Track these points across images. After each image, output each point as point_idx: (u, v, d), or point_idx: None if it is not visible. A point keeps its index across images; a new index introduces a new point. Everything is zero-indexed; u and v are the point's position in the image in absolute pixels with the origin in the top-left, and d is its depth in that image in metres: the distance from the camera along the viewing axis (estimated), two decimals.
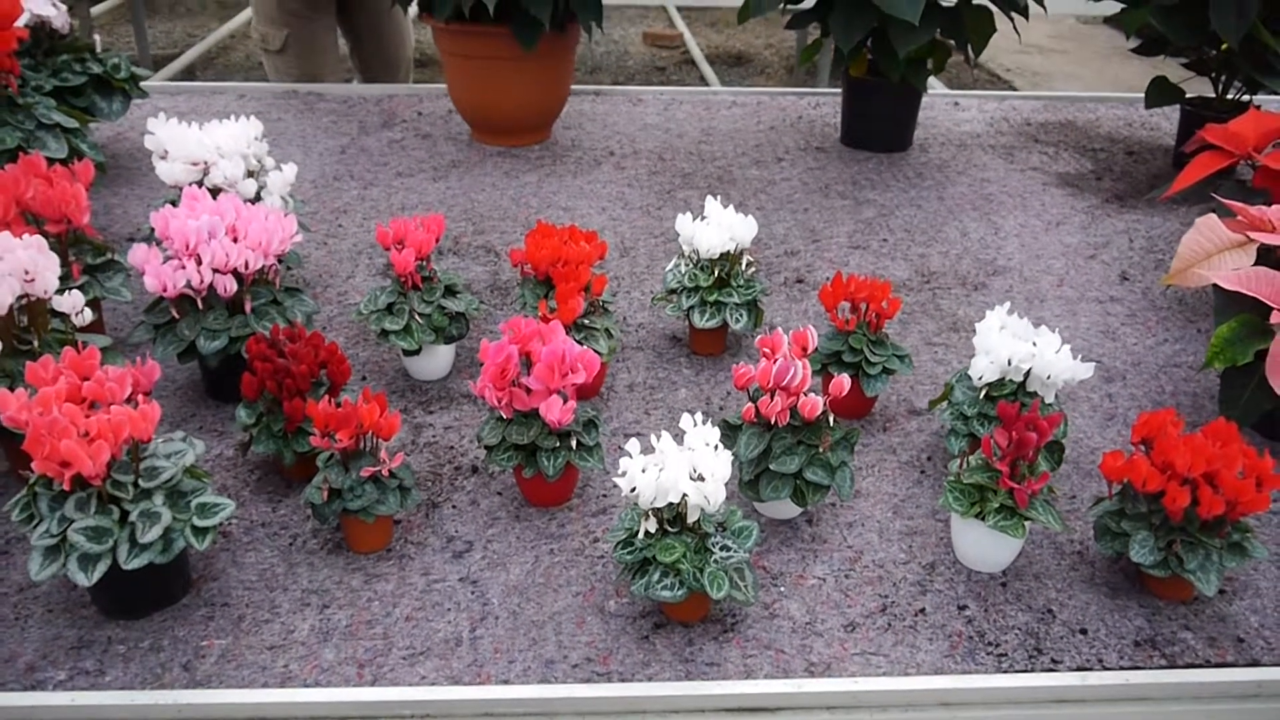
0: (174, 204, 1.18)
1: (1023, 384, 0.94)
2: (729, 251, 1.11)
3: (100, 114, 1.53)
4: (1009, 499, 0.82)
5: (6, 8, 1.24)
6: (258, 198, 1.16)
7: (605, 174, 1.65)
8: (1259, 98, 1.85)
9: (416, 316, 1.04)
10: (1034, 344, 0.93)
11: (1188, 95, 1.72)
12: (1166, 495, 0.78)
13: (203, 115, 1.87)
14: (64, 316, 0.91)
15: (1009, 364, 0.93)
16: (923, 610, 0.82)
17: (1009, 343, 0.93)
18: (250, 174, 1.17)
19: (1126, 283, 1.37)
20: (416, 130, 1.82)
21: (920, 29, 1.49)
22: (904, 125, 1.79)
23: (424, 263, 1.06)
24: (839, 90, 1.86)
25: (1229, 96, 1.71)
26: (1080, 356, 0.97)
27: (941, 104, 2.02)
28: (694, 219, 1.13)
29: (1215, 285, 0.98)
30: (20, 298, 0.87)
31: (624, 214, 1.51)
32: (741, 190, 1.60)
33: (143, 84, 1.59)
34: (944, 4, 1.59)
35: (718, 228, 1.10)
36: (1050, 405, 0.94)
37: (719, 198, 1.17)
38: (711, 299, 1.10)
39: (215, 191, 1.13)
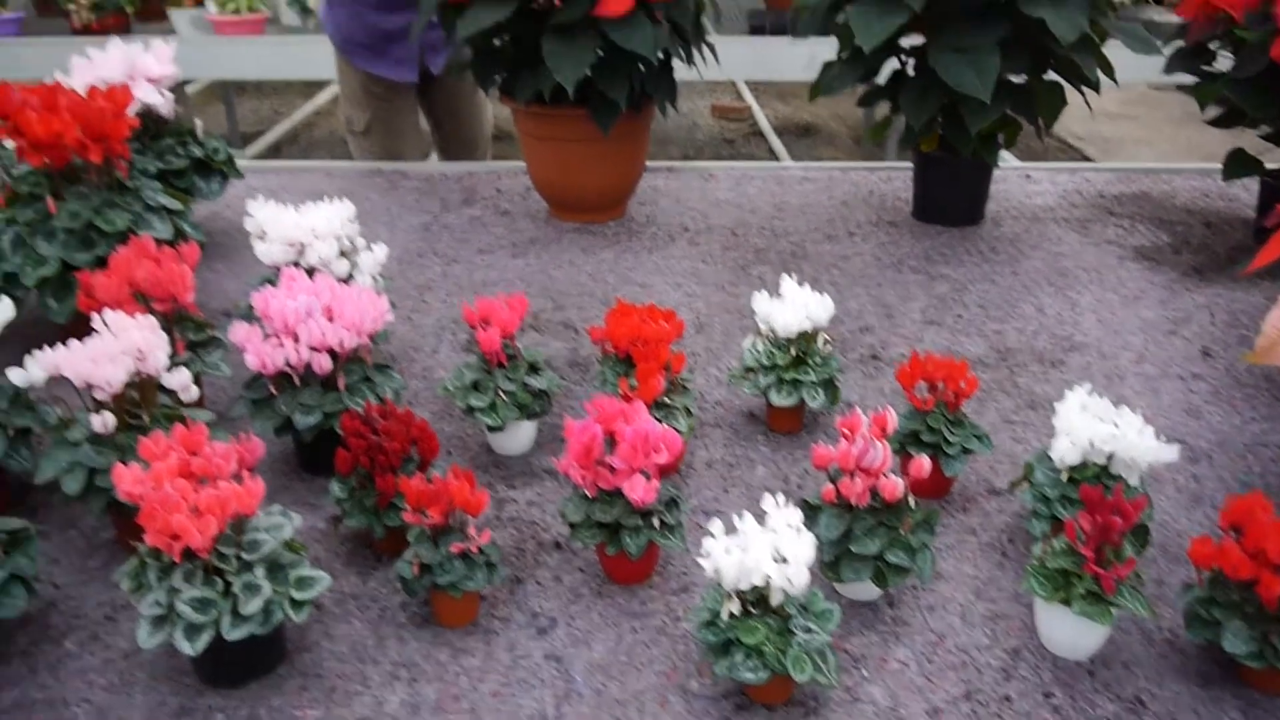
0: (270, 282, 1.24)
1: (1105, 466, 0.94)
2: (806, 330, 1.12)
3: (200, 194, 1.61)
4: (1095, 585, 0.81)
5: (119, 97, 1.32)
6: (349, 277, 1.21)
7: (680, 250, 1.68)
8: None
9: (501, 394, 1.07)
10: (1116, 425, 0.93)
11: (1267, 166, 1.70)
12: (1259, 583, 0.77)
13: (292, 192, 1.95)
14: (172, 393, 0.95)
15: (1091, 446, 0.93)
16: (1008, 697, 0.81)
17: (1090, 424, 0.93)
18: (343, 254, 1.22)
19: (1209, 359, 1.35)
20: (496, 207, 1.88)
21: (992, 106, 1.51)
22: (976, 199, 1.79)
23: (509, 341, 1.09)
24: (909, 164, 1.88)
25: None
26: (1163, 436, 0.96)
27: (1013, 176, 2.03)
28: (770, 297, 1.15)
29: None
30: (132, 375, 0.92)
31: (699, 290, 1.54)
32: (815, 266, 1.62)
33: (237, 163, 1.68)
34: (1014, 80, 1.60)
35: (795, 307, 1.11)
36: (1134, 488, 0.93)
37: (794, 275, 1.19)
38: (789, 377, 1.12)
39: (310, 271, 1.19)
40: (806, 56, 3.38)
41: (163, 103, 1.59)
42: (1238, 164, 1.68)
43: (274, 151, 4.64)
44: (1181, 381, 1.30)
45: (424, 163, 2.13)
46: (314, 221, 1.19)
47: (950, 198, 1.78)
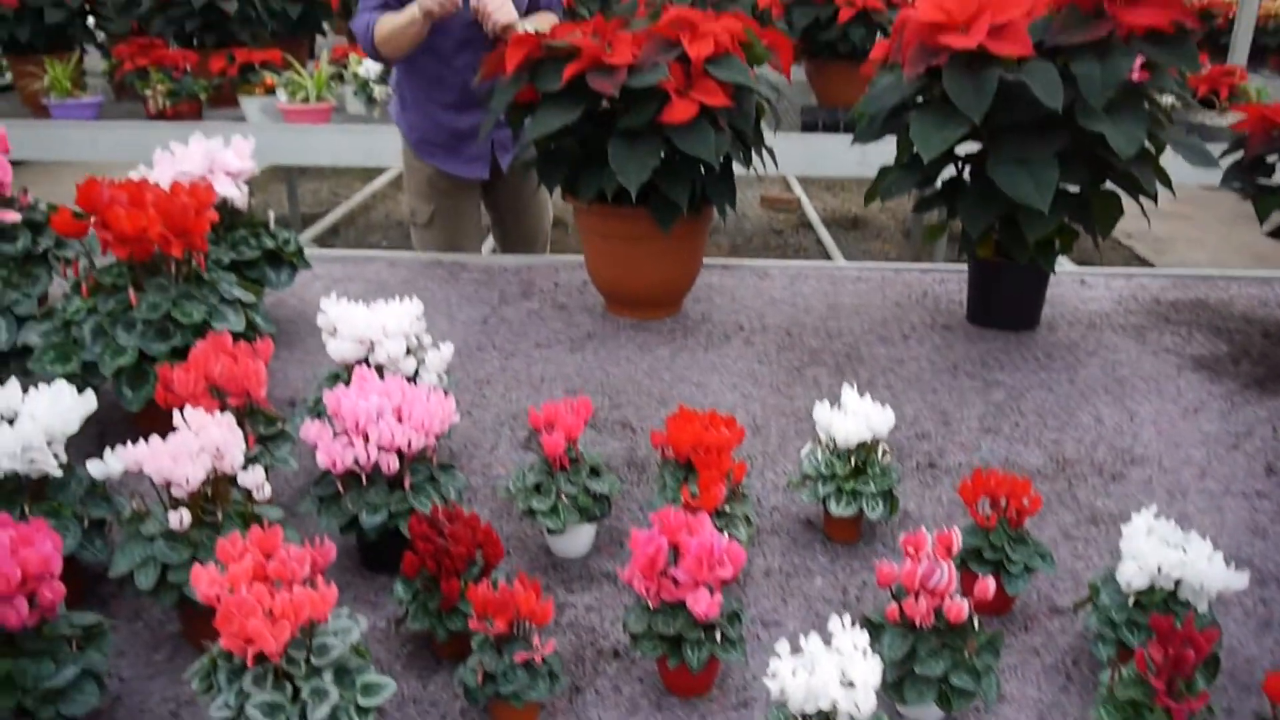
0: (338, 376, 1.27)
1: (1173, 591, 0.92)
2: (866, 441, 1.13)
3: (269, 284, 1.66)
4: (1166, 717, 0.80)
5: (202, 194, 1.38)
6: (416, 374, 1.24)
7: (735, 349, 1.70)
8: None
9: (563, 497, 1.08)
10: (1184, 550, 0.92)
11: None
12: None
13: (355, 281, 2.00)
14: (246, 491, 0.97)
15: (1159, 571, 0.92)
16: None
17: (1158, 549, 0.92)
18: (409, 351, 1.25)
19: (1273, 476, 1.34)
20: (553, 301, 1.91)
21: (1050, 217, 1.52)
22: (1031, 304, 1.80)
23: (572, 444, 1.10)
24: (961, 266, 1.89)
25: None
26: (1229, 557, 0.95)
27: (1068, 281, 2.03)
28: (830, 406, 1.16)
29: None
30: (209, 473, 0.94)
31: (754, 391, 1.55)
32: (870, 369, 1.63)
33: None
34: (1071, 189, 1.62)
35: (855, 417, 1.12)
36: (1204, 615, 0.92)
37: (853, 384, 1.20)
38: (848, 488, 1.12)
39: (379, 368, 1.21)
40: (858, 152, 3.43)
41: (239, 196, 1.65)
42: None
43: (332, 233, 4.76)
44: (1245, 500, 1.28)
45: (483, 255, 2.18)
46: (384, 319, 1.23)
47: (1005, 302, 1.79)
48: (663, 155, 1.58)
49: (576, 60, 1.55)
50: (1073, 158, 1.53)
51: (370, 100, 3.58)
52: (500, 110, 1.65)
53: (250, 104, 3.68)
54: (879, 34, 3.52)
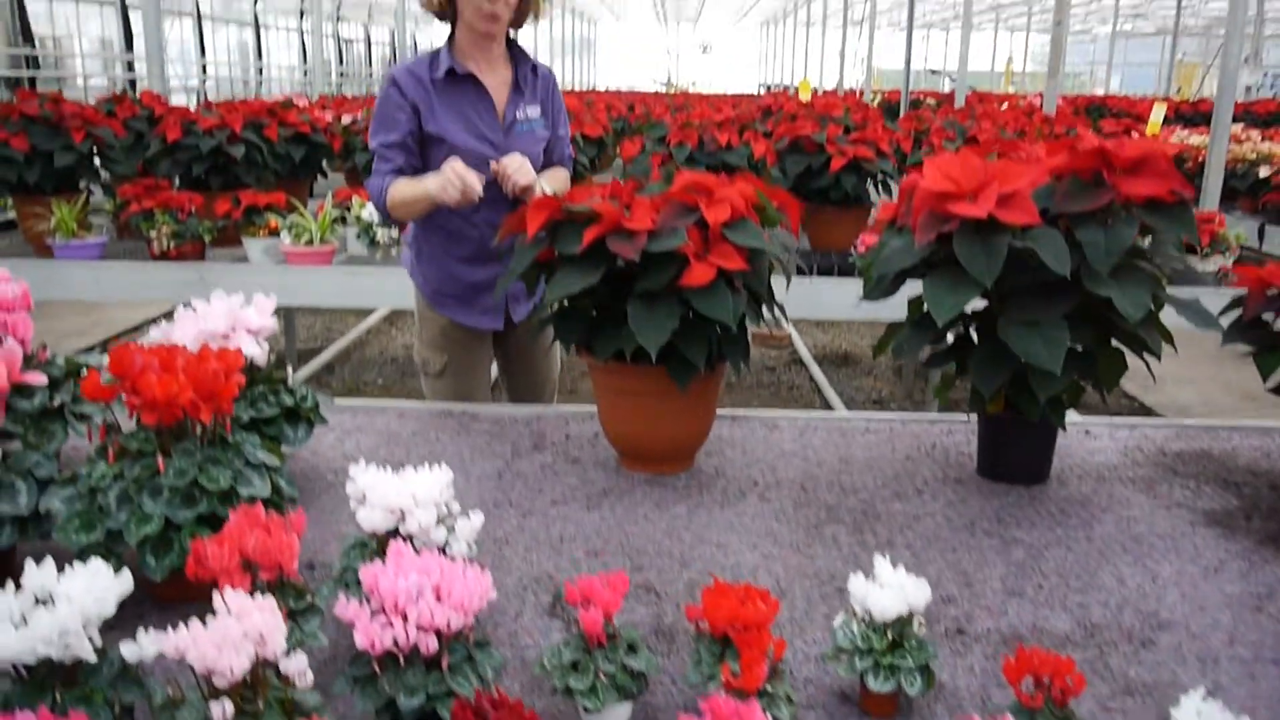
0: (366, 547, 1.26)
1: None
2: (903, 615, 1.12)
3: (287, 441, 1.66)
4: None
5: (230, 359, 1.39)
6: (446, 544, 1.23)
7: (751, 506, 1.70)
8: None
9: (601, 676, 1.06)
10: None
11: None
12: None
13: (367, 433, 2.01)
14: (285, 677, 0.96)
15: None
16: None
17: None
18: (439, 520, 1.25)
19: None
20: (566, 454, 1.92)
21: (1061, 376, 1.56)
22: (1042, 458, 1.82)
23: (609, 620, 1.09)
24: (963, 415, 1.91)
25: None
26: None
27: (1073, 431, 2.06)
28: (865, 579, 1.15)
29: None
30: (252, 660, 0.93)
31: (775, 551, 1.55)
32: (888, 526, 1.63)
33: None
34: (1076, 347, 1.65)
35: (892, 591, 1.12)
36: None
37: (885, 554, 1.20)
38: (886, 662, 1.11)
39: (409, 538, 1.21)
40: (853, 295, 3.50)
41: (260, 353, 1.67)
42: None
43: (327, 370, 4.79)
44: (1277, 667, 1.27)
45: (493, 405, 2.19)
46: (415, 488, 1.23)
47: (1016, 456, 1.81)
48: (680, 316, 1.62)
49: (597, 224, 1.60)
50: (1080, 319, 1.57)
51: (373, 243, 3.65)
52: (520, 271, 1.69)
53: (254, 245, 3.75)
54: (869, 181, 3.65)
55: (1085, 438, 2.04)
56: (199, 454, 1.35)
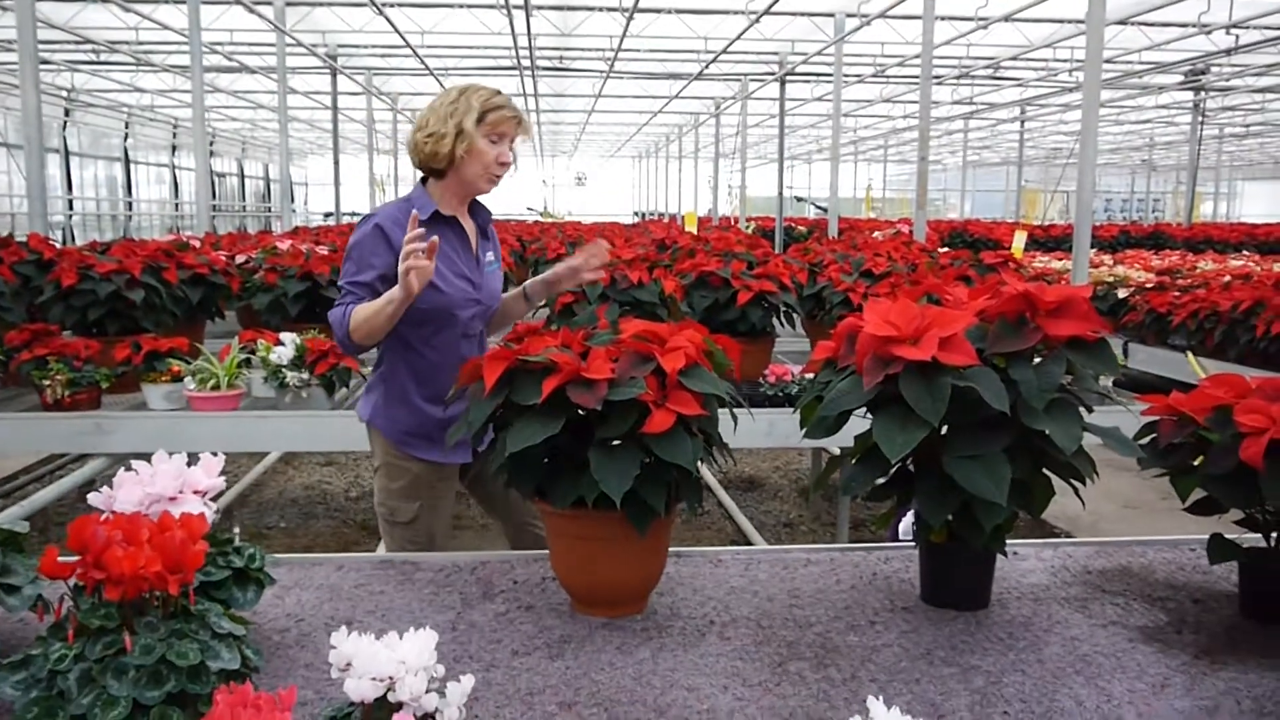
0: (348, 718, 1.22)
1: None
2: None
3: (236, 605, 1.60)
4: None
5: (195, 525, 1.35)
6: (436, 710, 1.21)
7: (713, 646, 1.71)
8: None
9: None
10: None
11: (1244, 547, 1.85)
12: None
13: (305, 588, 1.95)
14: None
15: None
16: None
17: None
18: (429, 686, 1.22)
19: None
20: (518, 601, 1.90)
21: (1004, 506, 1.64)
22: (983, 584, 1.89)
23: None
24: (902, 543, 1.98)
25: None
26: None
27: (1008, 554, 2.14)
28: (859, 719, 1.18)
29: None
30: None
31: (746, 692, 1.56)
32: (850, 660, 1.66)
33: None
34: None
35: None
36: None
37: (882, 699, 1.23)
38: None
39: (398, 706, 1.18)
40: (765, 424, 3.59)
41: (208, 515, 1.62)
42: (1220, 550, 1.83)
43: (227, 515, 4.61)
44: None
45: (434, 554, 2.16)
46: (405, 654, 1.20)
47: (959, 583, 1.88)
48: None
49: (556, 374, 1.63)
50: (1017, 451, 1.67)
51: (282, 385, 3.59)
52: (479, 422, 1.70)
53: (154, 392, 3.65)
54: (775, 315, 3.79)
55: (1016, 560, 2.13)
56: (163, 627, 1.29)
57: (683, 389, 1.65)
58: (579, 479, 1.67)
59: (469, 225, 2.41)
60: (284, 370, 3.59)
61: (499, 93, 2.32)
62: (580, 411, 1.66)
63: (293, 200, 23.03)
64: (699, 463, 1.72)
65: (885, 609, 1.87)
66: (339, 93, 14.74)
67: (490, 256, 2.44)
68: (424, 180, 2.37)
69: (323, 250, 5.29)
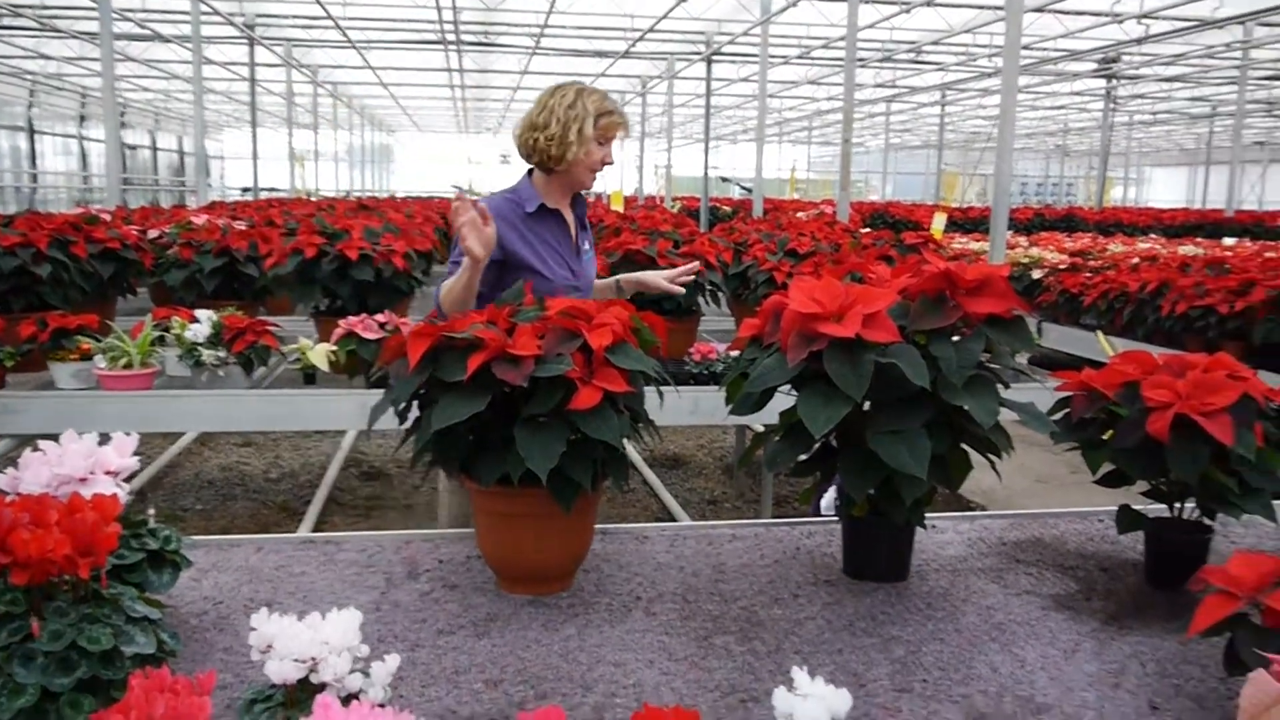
0: (270, 700, 1.20)
1: None
2: None
3: (151, 588, 1.56)
4: None
5: (107, 506, 1.31)
6: (360, 691, 1.19)
7: (639, 621, 1.72)
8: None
9: None
10: None
11: (1150, 517, 1.92)
12: None
13: (224, 570, 1.91)
14: None
15: None
16: None
17: None
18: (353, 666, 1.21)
19: (1157, 713, 1.46)
20: (443, 580, 1.88)
21: (925, 480, 1.67)
22: (903, 556, 1.93)
23: None
24: (825, 518, 2.01)
25: (1185, 519, 1.91)
26: None
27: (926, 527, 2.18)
28: (788, 692, 1.19)
29: None
30: None
31: (672, 666, 1.57)
32: (774, 633, 1.68)
33: None
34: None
35: (815, 701, 1.16)
36: None
37: (806, 669, 1.25)
38: None
39: (322, 687, 1.16)
40: (690, 401, 3.61)
41: (121, 496, 1.57)
42: (1128, 520, 1.89)
43: (139, 497, 4.49)
44: None
45: (358, 533, 2.13)
46: (328, 635, 1.19)
47: (880, 555, 1.91)
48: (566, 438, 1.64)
49: (481, 351, 1.62)
50: (937, 426, 1.70)
51: (198, 364, 3.49)
52: (402, 400, 1.67)
53: (62, 370, 3.53)
54: (700, 293, 3.80)
55: (934, 532, 2.18)
56: (73, 612, 1.25)
57: (609, 366, 1.64)
58: (505, 456, 1.66)
59: (569, 216, 2.60)
60: (200, 348, 3.49)
61: (608, 96, 2.48)
62: (506, 389, 1.65)
63: (209, 175, 22.41)
64: (625, 440, 1.73)
65: (808, 582, 1.90)
66: (257, 64, 14.37)
67: (587, 245, 2.66)
68: (530, 172, 2.55)
69: (240, 225, 5.16)
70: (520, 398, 1.65)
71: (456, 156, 38.40)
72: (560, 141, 2.40)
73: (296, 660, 1.17)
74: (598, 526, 2.14)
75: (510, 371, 1.59)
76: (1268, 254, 7.43)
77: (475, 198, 2.29)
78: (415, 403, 1.76)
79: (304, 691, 1.19)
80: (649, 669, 1.56)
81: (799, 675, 1.21)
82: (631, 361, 1.67)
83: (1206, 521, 1.90)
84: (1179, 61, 15.72)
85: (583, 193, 2.64)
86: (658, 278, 2.74)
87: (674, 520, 4.29)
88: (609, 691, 1.49)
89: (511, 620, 1.72)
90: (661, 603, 1.80)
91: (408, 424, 1.82)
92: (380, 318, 3.57)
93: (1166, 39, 13.55)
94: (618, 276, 2.79)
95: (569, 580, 1.86)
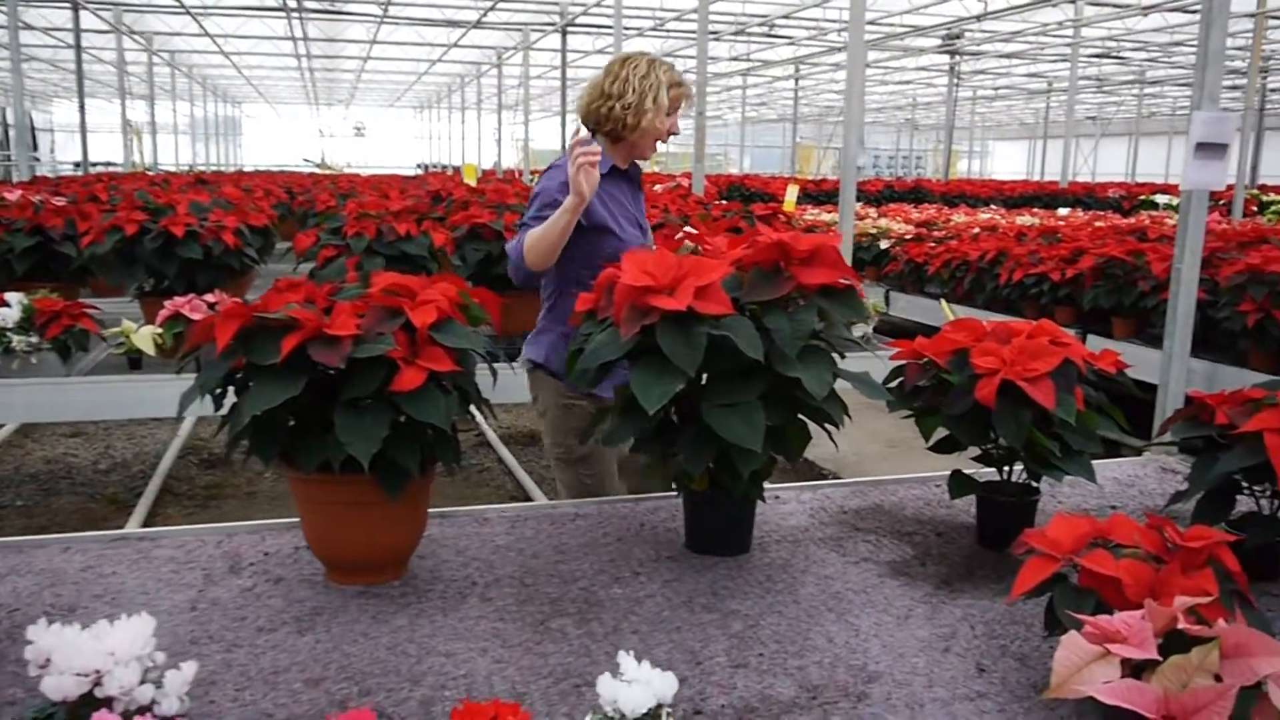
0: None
1: None
2: (653, 708, 1.14)
3: None
4: None
5: None
6: (153, 703, 1.10)
7: (474, 608, 1.66)
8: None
9: None
10: None
11: (980, 481, 1.96)
12: None
13: (23, 574, 1.77)
14: None
15: None
16: None
17: None
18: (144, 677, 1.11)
19: (984, 675, 1.49)
20: (268, 574, 1.78)
21: (761, 453, 1.66)
22: (744, 528, 1.92)
23: None
24: (669, 494, 1.99)
25: (1013, 481, 1.96)
26: None
27: (766, 499, 2.19)
28: (612, 677, 1.16)
29: (1092, 699, 1.10)
30: None
31: (506, 653, 1.52)
32: (612, 613, 1.65)
33: None
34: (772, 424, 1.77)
35: (640, 685, 1.13)
36: None
37: (634, 654, 1.21)
38: None
39: (108, 701, 1.07)
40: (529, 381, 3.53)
41: None
42: (960, 484, 1.93)
43: None
44: (970, 702, 1.41)
45: (177, 528, 2.00)
46: (113, 645, 1.09)
47: (721, 529, 1.90)
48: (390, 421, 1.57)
49: (296, 331, 1.52)
50: (773, 398, 1.69)
51: (7, 351, 3.24)
52: (210, 386, 1.56)
53: None
54: None
55: (777, 503, 2.19)
56: None
57: (434, 345, 1.57)
58: (325, 441, 1.57)
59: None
60: (9, 334, 3.24)
61: (674, 67, 2.51)
62: (327, 371, 1.56)
63: (36, 148, 20.97)
64: (482, 419, 1.66)
65: (650, 559, 1.88)
66: (83, 30, 13.48)
67: (646, 207, 2.69)
68: (592, 134, 2.53)
69: (59, 202, 4.81)
70: (340, 380, 1.56)
71: (308, 130, 37.11)
72: (636, 110, 2.43)
73: (78, 675, 1.07)
74: (436, 510, 2.06)
75: (327, 353, 1.50)
76: (1097, 224, 7.83)
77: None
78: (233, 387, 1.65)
79: (89, 707, 1.09)
80: (482, 658, 1.51)
81: (625, 660, 1.18)
82: (459, 339, 1.60)
83: (1033, 484, 1.96)
84: (1017, 38, 16.39)
85: (638, 163, 2.64)
86: None
87: (529, 499, 4.23)
88: (438, 684, 1.42)
89: (339, 613, 1.64)
90: (499, 587, 1.74)
91: (223, 410, 1.71)
92: (210, 298, 3.38)
93: (1004, 16, 14.09)
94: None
95: (402, 568, 1.78)
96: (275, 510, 4.15)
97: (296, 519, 1.86)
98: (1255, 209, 12.79)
